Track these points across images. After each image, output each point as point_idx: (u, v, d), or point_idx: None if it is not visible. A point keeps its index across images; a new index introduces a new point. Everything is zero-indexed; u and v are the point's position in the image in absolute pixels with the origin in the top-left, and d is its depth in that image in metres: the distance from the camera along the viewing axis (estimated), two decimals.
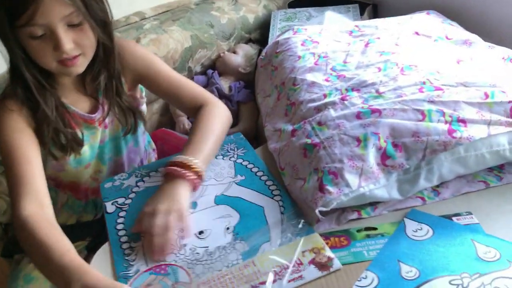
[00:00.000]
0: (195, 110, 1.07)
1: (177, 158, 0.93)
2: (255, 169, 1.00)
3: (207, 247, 0.83)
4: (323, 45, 1.22)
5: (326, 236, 0.85)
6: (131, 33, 1.46)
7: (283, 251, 0.80)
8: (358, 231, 0.85)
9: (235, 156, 1.04)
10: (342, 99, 0.99)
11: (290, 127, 1.03)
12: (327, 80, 1.08)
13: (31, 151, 0.92)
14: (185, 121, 1.53)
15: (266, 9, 1.75)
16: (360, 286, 0.73)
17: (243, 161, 1.02)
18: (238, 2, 1.71)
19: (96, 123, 1.04)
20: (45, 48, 0.87)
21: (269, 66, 1.29)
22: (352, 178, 0.85)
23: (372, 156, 0.87)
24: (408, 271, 0.75)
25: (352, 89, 1.01)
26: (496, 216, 0.85)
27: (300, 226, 0.85)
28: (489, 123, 0.88)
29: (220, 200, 0.93)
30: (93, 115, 1.03)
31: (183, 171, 0.91)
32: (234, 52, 1.64)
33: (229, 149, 1.06)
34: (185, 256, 0.82)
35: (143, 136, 1.20)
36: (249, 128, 1.55)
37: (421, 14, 1.37)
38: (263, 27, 1.74)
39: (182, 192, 0.89)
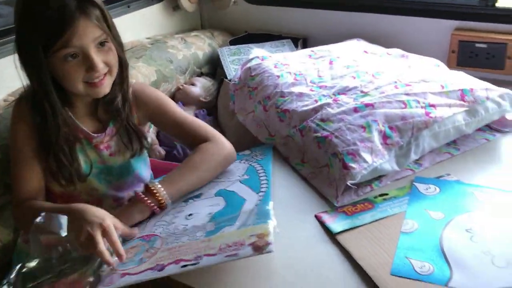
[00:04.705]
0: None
1: (149, 183, 1.05)
2: (261, 172, 1.15)
3: (187, 225, 0.96)
4: (293, 66, 1.45)
5: (353, 204, 1.05)
6: None
7: (236, 234, 0.89)
8: (375, 197, 1.07)
9: (253, 160, 1.19)
10: (334, 100, 1.22)
11: (297, 131, 1.22)
12: (311, 90, 1.31)
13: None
14: (159, 149, 1.63)
15: (211, 46, 1.96)
16: (406, 230, 0.95)
17: (257, 165, 1.17)
18: (187, 42, 1.88)
19: (94, 141, 1.10)
20: (78, 70, 0.97)
21: (246, 88, 1.48)
22: (367, 156, 1.08)
23: (377, 138, 1.11)
24: (436, 214, 0.98)
25: (339, 93, 1.26)
26: (465, 173, 1.13)
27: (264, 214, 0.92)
28: (449, 105, 1.17)
29: (219, 193, 1.06)
30: (94, 135, 1.10)
31: (145, 197, 1.01)
32: (192, 84, 1.80)
33: (253, 155, 1.21)
34: (169, 230, 0.96)
35: (148, 169, 1.27)
36: None
37: (353, 40, 1.69)
38: (211, 62, 1.94)
39: (135, 214, 1.01)
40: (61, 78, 0.99)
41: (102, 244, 0.87)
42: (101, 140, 1.11)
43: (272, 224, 0.87)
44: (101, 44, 0.99)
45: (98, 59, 0.98)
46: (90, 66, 0.97)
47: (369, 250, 0.91)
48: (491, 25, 1.61)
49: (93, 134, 1.10)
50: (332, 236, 0.96)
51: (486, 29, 1.62)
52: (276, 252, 0.92)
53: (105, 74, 1.02)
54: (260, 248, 0.82)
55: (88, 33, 0.96)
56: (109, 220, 0.91)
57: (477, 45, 1.60)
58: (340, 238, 0.95)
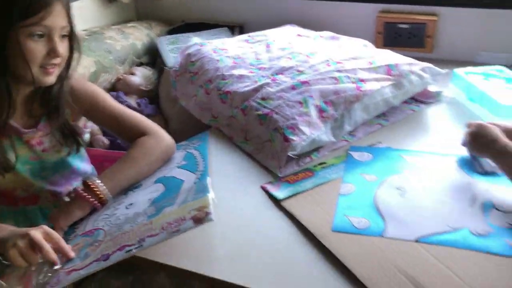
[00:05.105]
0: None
1: (87, 179, 1.05)
2: (198, 156, 1.15)
3: (128, 213, 0.97)
4: (232, 50, 1.51)
5: (294, 174, 1.13)
6: None
7: (176, 212, 0.91)
8: (315, 166, 1.15)
9: (191, 147, 1.20)
10: (273, 80, 1.29)
11: (239, 111, 1.28)
12: (251, 72, 1.37)
13: None
14: (102, 138, 1.64)
15: (149, 36, 1.97)
16: (344, 193, 1.04)
17: (194, 150, 1.18)
18: (125, 32, 1.89)
19: (25, 137, 1.09)
20: (40, 51, 0.97)
21: (187, 74, 1.52)
22: (305, 129, 1.16)
23: (313, 112, 1.19)
24: (370, 177, 1.08)
25: (277, 74, 1.33)
26: (395, 141, 1.23)
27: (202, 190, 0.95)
28: (377, 80, 1.28)
29: (159, 180, 1.07)
30: (25, 130, 1.08)
31: (84, 194, 1.01)
32: (132, 74, 1.81)
33: (190, 143, 1.21)
34: (111, 221, 0.97)
35: (87, 163, 1.26)
36: None
37: (287, 26, 1.77)
38: (149, 52, 1.96)
39: (76, 211, 1.01)
40: (18, 57, 0.97)
41: (47, 244, 0.88)
42: (32, 136, 1.09)
43: (210, 196, 0.90)
44: (63, 36, 1.00)
45: (60, 45, 0.99)
46: (52, 49, 0.97)
47: (312, 212, 0.99)
48: (411, 7, 1.74)
49: (23, 130, 1.08)
50: (277, 203, 1.04)
51: (408, 11, 1.74)
52: (227, 220, 0.99)
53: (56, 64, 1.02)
54: (200, 219, 0.85)
55: (60, 18, 0.97)
56: (45, 227, 0.92)
57: (400, 26, 1.72)
58: (284, 204, 1.03)
